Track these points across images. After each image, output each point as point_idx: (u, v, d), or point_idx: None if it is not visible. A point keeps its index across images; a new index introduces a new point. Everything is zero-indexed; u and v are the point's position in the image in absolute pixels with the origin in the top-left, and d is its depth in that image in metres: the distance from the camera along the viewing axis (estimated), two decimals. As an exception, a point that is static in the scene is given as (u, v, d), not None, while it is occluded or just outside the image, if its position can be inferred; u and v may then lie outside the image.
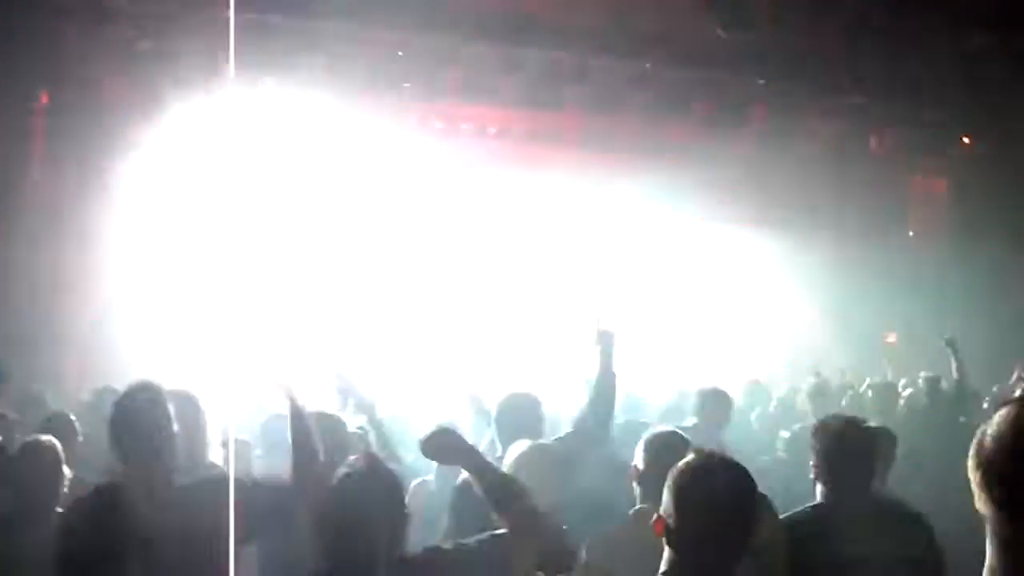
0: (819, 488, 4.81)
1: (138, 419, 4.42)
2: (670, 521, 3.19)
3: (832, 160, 17.10)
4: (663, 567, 3.20)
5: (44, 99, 13.37)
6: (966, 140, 16.73)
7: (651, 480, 4.36)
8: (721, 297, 19.14)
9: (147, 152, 15.92)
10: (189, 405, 5.44)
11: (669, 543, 3.19)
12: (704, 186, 18.85)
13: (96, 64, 13.28)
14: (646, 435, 4.85)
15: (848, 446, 4.73)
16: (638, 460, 4.69)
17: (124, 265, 16.07)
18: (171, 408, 4.64)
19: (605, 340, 6.37)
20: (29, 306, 13.72)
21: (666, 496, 3.23)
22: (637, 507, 4.62)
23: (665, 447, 4.49)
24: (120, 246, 16.02)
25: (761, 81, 15.07)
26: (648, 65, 14.53)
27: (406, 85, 14.64)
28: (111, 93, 14.03)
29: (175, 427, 4.49)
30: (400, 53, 13.73)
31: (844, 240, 17.79)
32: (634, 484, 4.71)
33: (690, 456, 3.36)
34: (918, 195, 17.68)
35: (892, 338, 16.85)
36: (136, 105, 14.44)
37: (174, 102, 14.45)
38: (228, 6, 12.44)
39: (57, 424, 6.35)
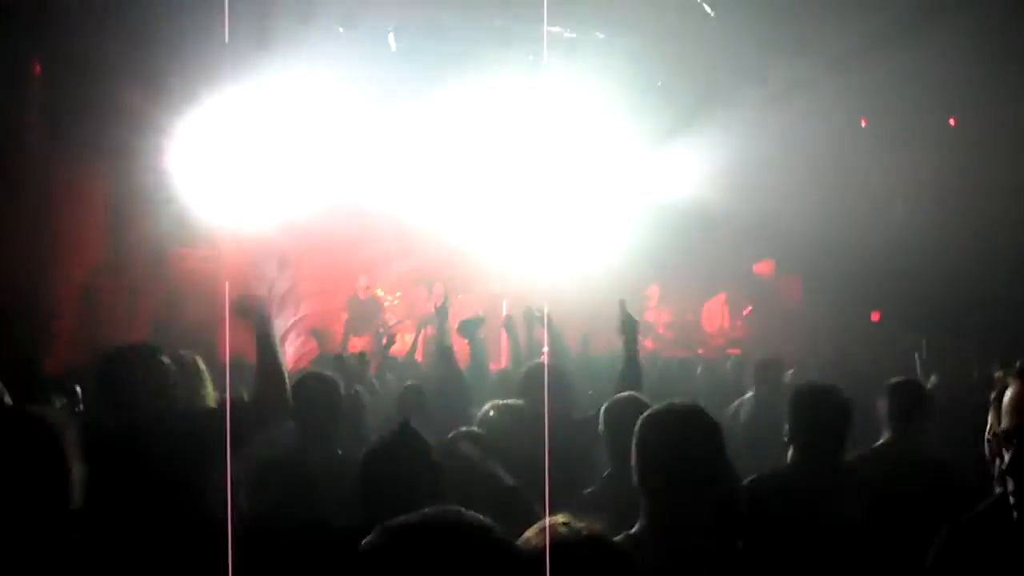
0: (791, 453, 4.98)
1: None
2: (635, 469, 3.40)
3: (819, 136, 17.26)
4: (639, 522, 3.39)
5: (37, 69, 13.37)
6: (952, 122, 16.85)
7: (613, 443, 4.58)
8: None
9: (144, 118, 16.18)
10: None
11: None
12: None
13: (89, 31, 13.30)
14: (606, 402, 4.99)
15: (823, 414, 4.90)
16: (601, 425, 4.86)
17: (119, 233, 16.37)
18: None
19: (629, 328, 6.59)
20: (24, 275, 13.90)
21: (633, 446, 3.43)
22: (608, 472, 4.80)
23: (621, 411, 4.68)
24: (115, 213, 16.30)
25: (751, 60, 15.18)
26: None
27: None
28: (104, 60, 14.11)
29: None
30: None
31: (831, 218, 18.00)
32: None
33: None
34: (905, 172, 17.73)
35: (876, 317, 17.02)
36: (131, 73, 14.62)
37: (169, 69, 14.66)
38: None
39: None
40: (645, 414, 3.52)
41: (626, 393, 5.10)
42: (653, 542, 3.27)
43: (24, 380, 7.75)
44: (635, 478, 3.41)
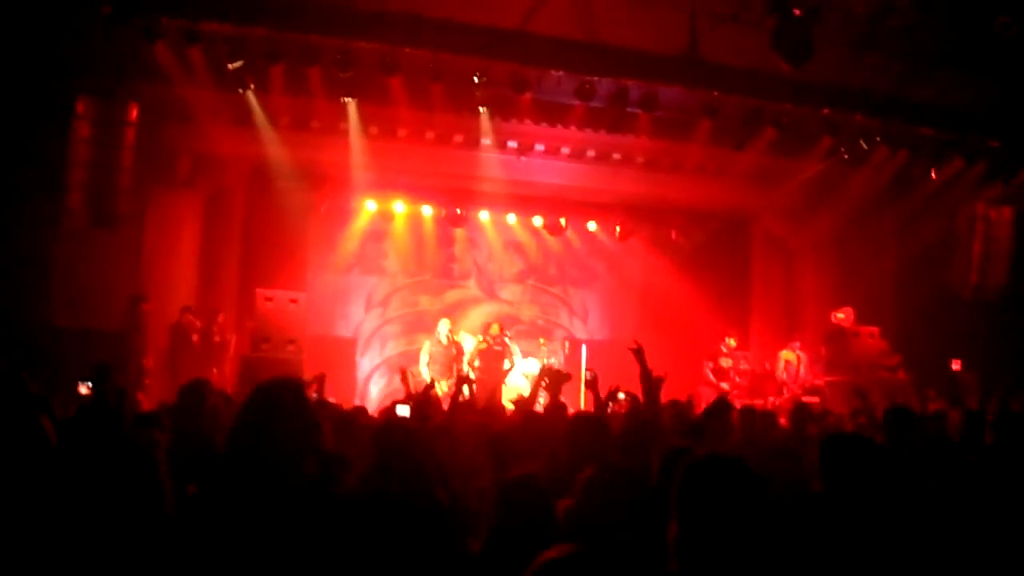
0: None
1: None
2: (677, 517, 3.52)
3: (896, 187, 17.34)
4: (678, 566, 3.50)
5: (134, 113, 13.87)
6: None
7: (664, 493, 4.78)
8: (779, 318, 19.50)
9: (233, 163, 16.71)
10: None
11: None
12: (767, 210, 19.39)
13: (185, 80, 13.79)
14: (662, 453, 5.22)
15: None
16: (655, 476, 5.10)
17: (206, 270, 16.88)
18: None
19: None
20: (113, 310, 14.37)
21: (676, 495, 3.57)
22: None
23: (673, 462, 4.85)
24: (201, 254, 16.81)
25: (825, 111, 15.34)
26: (714, 94, 14.84)
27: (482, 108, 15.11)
28: (199, 108, 14.64)
29: None
30: (476, 79, 14.12)
31: (906, 265, 18.06)
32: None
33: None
34: (983, 223, 17.72)
35: (956, 366, 16.95)
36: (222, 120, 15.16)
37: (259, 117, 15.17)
38: (315, 30, 13.22)
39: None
40: (688, 465, 3.63)
41: (679, 445, 5.26)
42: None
43: (121, 413, 8.16)
44: (677, 525, 3.51)
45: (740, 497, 3.49)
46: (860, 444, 4.96)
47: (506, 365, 16.77)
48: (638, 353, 7.68)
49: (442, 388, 15.86)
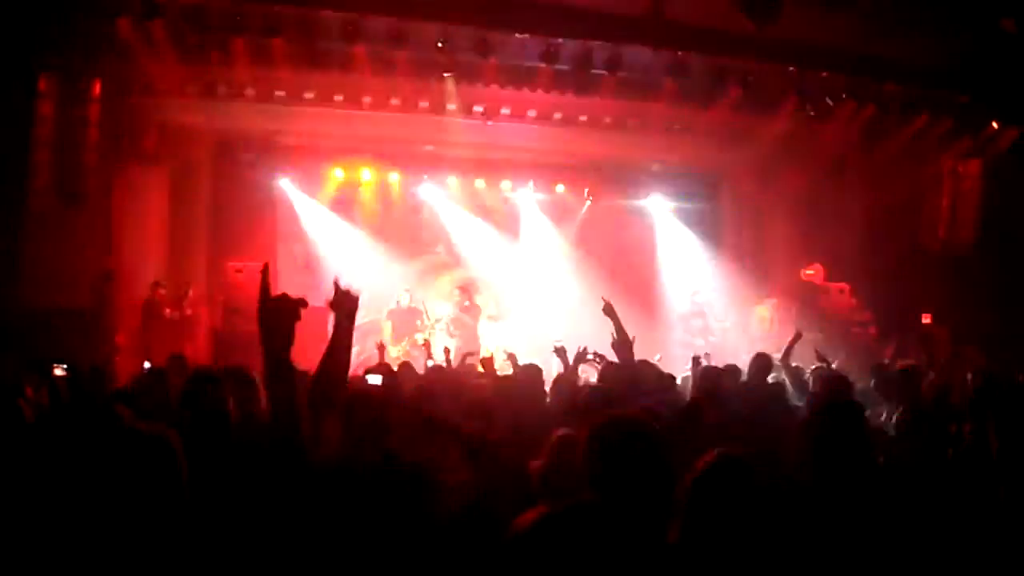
0: None
1: None
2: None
3: (864, 143, 17.37)
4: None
5: (97, 89, 13.72)
6: (995, 125, 16.85)
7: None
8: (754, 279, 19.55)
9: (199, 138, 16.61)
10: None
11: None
12: (736, 168, 19.42)
13: (148, 54, 13.65)
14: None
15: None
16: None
17: (175, 244, 16.80)
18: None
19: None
20: (89, 288, 14.27)
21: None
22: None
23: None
24: (170, 228, 16.73)
25: (792, 69, 15.35)
26: (680, 53, 14.82)
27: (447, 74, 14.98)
28: (162, 82, 14.51)
29: None
30: (440, 44, 14.04)
31: (875, 221, 18.11)
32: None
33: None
34: (951, 178, 17.76)
35: (927, 319, 17.04)
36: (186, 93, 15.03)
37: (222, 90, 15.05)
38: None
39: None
40: (594, 424, 3.74)
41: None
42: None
43: (95, 391, 8.13)
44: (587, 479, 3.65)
45: (643, 458, 3.59)
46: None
47: (480, 325, 16.98)
48: (608, 310, 7.77)
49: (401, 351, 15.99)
